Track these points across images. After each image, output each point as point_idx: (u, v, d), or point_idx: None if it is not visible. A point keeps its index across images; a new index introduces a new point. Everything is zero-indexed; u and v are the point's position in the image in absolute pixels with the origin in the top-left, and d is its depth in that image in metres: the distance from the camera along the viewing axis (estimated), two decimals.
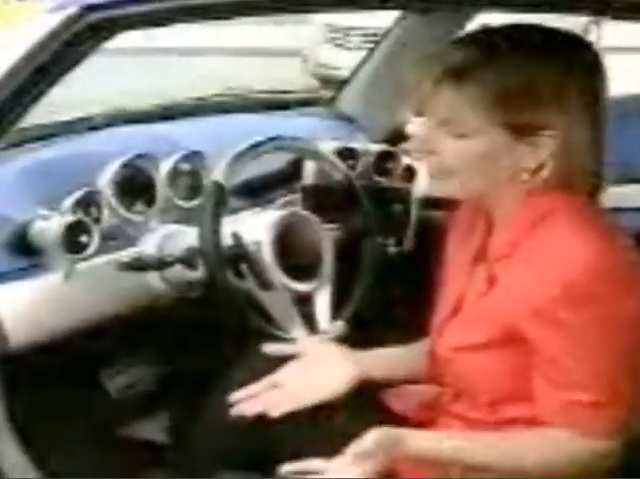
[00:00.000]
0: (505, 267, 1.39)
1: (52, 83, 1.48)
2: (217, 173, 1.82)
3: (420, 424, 1.56)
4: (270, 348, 1.65)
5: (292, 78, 8.32)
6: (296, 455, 1.54)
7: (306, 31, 9.31)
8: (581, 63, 1.36)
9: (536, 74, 1.32)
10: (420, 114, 1.44)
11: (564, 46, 1.37)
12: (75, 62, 1.46)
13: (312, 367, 1.60)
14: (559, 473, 1.37)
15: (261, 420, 1.56)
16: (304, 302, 1.88)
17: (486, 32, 1.39)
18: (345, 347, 1.66)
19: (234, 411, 1.59)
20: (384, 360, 1.65)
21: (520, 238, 1.38)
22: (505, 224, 1.42)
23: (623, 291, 1.32)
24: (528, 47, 1.35)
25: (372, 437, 1.39)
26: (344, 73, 2.87)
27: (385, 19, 2.54)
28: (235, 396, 1.61)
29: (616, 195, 2.36)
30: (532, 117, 1.33)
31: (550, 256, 1.32)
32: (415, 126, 1.47)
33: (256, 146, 1.89)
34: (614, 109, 2.67)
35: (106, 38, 1.45)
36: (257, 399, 1.60)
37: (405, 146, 1.39)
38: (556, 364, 1.33)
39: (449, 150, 1.37)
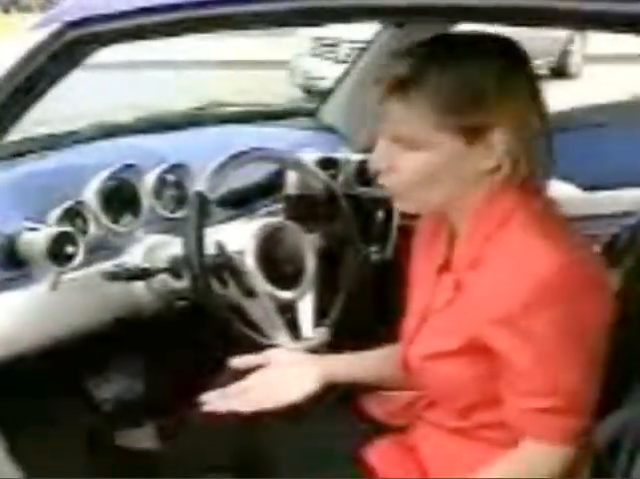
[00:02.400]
0: (471, 276, 1.40)
1: (35, 98, 1.50)
2: (201, 183, 1.84)
3: (397, 430, 1.59)
4: (236, 362, 1.66)
5: (279, 90, 8.35)
6: (283, 457, 1.58)
7: (293, 43, 9.34)
8: (516, 61, 1.37)
9: (478, 77, 1.32)
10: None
11: (496, 47, 1.36)
12: (57, 77, 1.49)
13: (278, 373, 1.61)
14: None
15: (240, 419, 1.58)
16: (287, 310, 1.90)
17: (424, 43, 1.37)
18: (312, 355, 1.68)
19: (206, 408, 1.59)
20: (349, 364, 1.66)
21: (483, 246, 1.38)
22: (467, 233, 1.43)
23: (586, 298, 1.31)
24: (465, 53, 1.34)
25: None
26: (331, 85, 2.90)
27: (371, 31, 2.56)
28: (207, 396, 1.61)
29: (589, 201, 2.42)
30: (482, 118, 1.32)
31: (512, 264, 1.32)
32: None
33: (238, 156, 1.92)
34: (590, 118, 2.72)
35: (88, 53, 1.48)
36: (228, 400, 1.60)
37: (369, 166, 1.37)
38: (516, 372, 1.34)
39: (405, 165, 1.36)
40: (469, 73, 1.32)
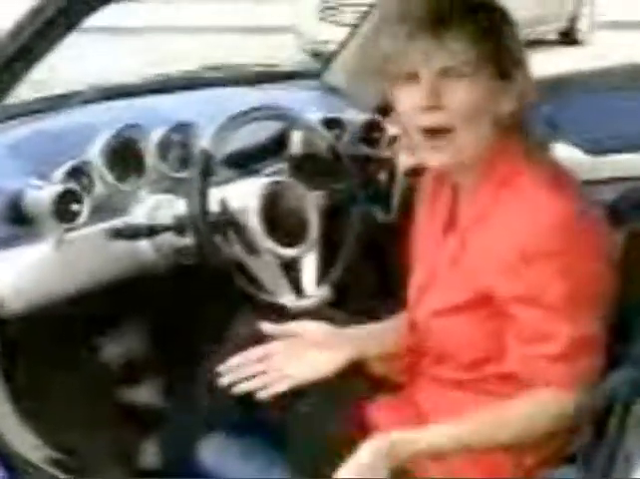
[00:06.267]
0: (476, 232, 1.42)
1: (34, 61, 1.50)
2: (205, 141, 1.84)
3: (398, 387, 1.61)
4: (268, 327, 1.64)
5: (285, 55, 8.31)
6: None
7: (299, 7, 9.32)
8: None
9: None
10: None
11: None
12: (59, 37, 1.48)
13: (307, 347, 1.61)
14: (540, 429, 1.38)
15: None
16: (291, 267, 1.91)
17: None
18: (338, 328, 1.66)
19: (222, 382, 1.59)
20: (374, 337, 1.65)
21: (488, 202, 1.41)
22: (473, 188, 1.45)
23: (589, 245, 1.35)
24: None
25: (366, 451, 1.36)
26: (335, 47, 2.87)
27: None
28: (222, 368, 1.60)
29: (594, 166, 2.42)
30: (510, 53, 1.41)
31: (517, 216, 1.35)
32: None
33: (244, 114, 1.91)
34: (596, 82, 2.70)
35: (84, 15, 1.47)
36: (246, 373, 1.59)
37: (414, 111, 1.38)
38: (521, 320, 1.36)
39: (453, 96, 1.38)
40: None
